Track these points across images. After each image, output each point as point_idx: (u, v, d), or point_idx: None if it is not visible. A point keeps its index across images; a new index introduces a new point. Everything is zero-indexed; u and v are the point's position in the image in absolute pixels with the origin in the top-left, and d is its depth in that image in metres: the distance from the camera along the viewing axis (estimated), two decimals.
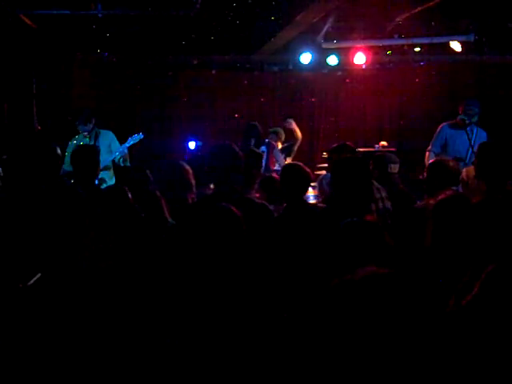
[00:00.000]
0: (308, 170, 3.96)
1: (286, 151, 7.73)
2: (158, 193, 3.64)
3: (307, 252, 3.15)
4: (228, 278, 2.54)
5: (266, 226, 3.47)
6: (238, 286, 2.52)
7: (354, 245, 2.38)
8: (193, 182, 4.05)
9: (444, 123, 6.25)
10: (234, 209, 2.71)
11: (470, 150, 5.85)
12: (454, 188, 4.11)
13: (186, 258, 2.71)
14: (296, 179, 3.80)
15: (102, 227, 3.02)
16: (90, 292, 2.68)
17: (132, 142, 6.60)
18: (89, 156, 4.49)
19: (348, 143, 4.98)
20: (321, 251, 2.73)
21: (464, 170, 4.60)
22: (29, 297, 2.78)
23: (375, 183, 3.97)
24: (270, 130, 8.05)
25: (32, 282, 2.86)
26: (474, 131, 6.01)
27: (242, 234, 2.67)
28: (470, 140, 5.86)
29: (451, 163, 4.18)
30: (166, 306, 2.53)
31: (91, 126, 6.50)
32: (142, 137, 6.62)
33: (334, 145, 4.99)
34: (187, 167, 4.10)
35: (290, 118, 8.08)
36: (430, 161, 4.31)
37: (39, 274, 2.89)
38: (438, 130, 6.24)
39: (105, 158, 5.96)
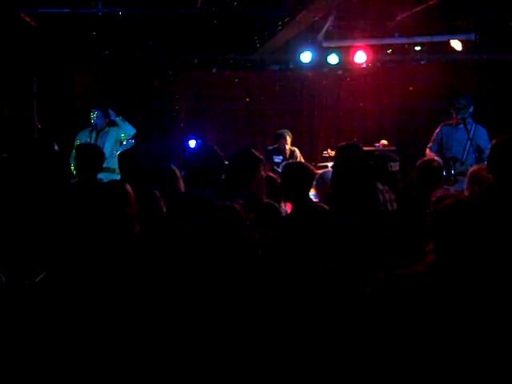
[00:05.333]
0: (311, 167, 3.96)
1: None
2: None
3: (313, 251, 3.14)
4: (232, 277, 2.53)
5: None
6: (242, 285, 2.52)
7: (344, 243, 2.37)
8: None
9: (443, 123, 6.27)
10: (238, 207, 2.71)
11: (467, 148, 5.83)
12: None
13: (189, 257, 2.71)
14: (299, 177, 3.77)
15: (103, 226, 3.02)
16: (92, 290, 2.68)
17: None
18: (91, 154, 4.54)
19: (355, 143, 4.97)
20: (319, 250, 2.74)
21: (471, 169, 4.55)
22: (34, 294, 2.78)
23: (380, 186, 3.96)
24: (278, 131, 8.11)
25: (38, 279, 2.86)
26: (472, 128, 5.96)
27: (245, 232, 2.67)
28: (468, 134, 5.82)
29: (435, 163, 4.21)
30: (170, 304, 2.53)
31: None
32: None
33: (343, 143, 4.96)
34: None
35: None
36: (417, 163, 4.34)
37: (45, 272, 2.89)
38: (437, 129, 6.26)
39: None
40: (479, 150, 5.85)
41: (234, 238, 2.61)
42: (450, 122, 6.19)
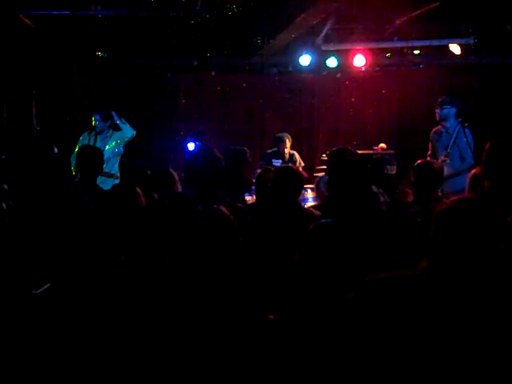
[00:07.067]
0: (301, 171, 3.95)
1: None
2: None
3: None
4: (221, 281, 2.53)
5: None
6: (231, 289, 2.52)
7: (323, 246, 2.35)
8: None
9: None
10: (226, 211, 2.70)
11: (449, 148, 6.16)
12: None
13: (177, 259, 2.71)
14: (288, 182, 3.75)
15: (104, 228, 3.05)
16: (93, 293, 2.69)
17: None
18: (92, 157, 4.55)
19: (347, 147, 4.99)
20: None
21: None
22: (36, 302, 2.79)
23: (374, 188, 3.96)
24: (278, 135, 8.12)
25: (41, 290, 2.87)
26: (456, 131, 6.18)
27: (235, 237, 2.67)
28: (451, 135, 6.17)
29: (435, 165, 4.24)
30: (166, 307, 2.53)
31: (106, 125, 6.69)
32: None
33: (333, 148, 5.00)
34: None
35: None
36: (415, 164, 4.38)
37: (48, 284, 2.89)
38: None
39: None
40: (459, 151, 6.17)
41: (222, 240, 2.61)
42: (437, 127, 6.38)
